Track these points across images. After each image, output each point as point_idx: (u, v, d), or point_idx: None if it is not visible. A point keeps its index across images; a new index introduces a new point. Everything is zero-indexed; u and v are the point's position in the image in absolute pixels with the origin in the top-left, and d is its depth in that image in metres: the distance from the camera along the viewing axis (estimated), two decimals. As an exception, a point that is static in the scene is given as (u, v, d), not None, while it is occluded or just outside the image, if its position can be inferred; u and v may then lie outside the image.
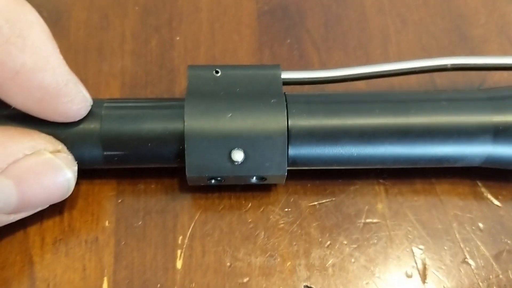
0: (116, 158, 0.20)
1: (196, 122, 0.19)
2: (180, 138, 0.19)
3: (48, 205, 0.20)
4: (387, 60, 0.25)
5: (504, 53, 0.26)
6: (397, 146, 0.20)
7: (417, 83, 0.24)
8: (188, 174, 0.20)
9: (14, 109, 0.18)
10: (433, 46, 0.26)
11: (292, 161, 0.20)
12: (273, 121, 0.19)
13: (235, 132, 0.19)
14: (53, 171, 0.18)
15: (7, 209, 0.18)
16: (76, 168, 0.19)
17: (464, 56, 0.22)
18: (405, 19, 0.26)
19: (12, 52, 0.17)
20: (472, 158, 0.21)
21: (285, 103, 0.20)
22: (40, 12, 0.26)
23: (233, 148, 0.19)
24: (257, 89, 0.20)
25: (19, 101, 0.18)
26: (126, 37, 0.26)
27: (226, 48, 0.25)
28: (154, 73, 0.25)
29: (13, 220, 0.19)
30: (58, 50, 0.18)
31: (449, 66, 0.22)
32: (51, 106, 0.18)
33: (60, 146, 0.19)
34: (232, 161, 0.19)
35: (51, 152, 0.18)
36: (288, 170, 0.20)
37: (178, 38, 0.26)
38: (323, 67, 0.25)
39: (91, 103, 0.19)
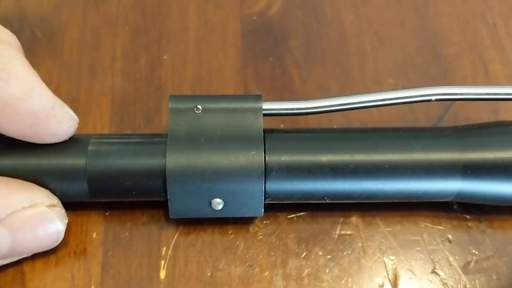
0: (101, 193, 0.21)
1: (178, 174, 0.20)
2: (163, 176, 0.20)
3: (32, 254, 0.21)
4: (364, 78, 0.26)
5: (475, 71, 0.27)
6: (370, 183, 0.21)
7: (394, 108, 0.26)
8: (171, 216, 0.21)
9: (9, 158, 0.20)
10: (408, 65, 0.27)
11: (270, 197, 0.21)
12: (252, 175, 0.20)
13: (215, 185, 0.20)
14: (46, 223, 0.20)
15: None
16: (66, 221, 0.21)
17: (445, 87, 0.22)
18: (382, 38, 0.28)
19: (0, 85, 0.18)
20: (444, 195, 0.22)
21: (263, 154, 0.20)
22: (35, 32, 0.28)
23: (213, 198, 0.21)
24: (237, 132, 0.21)
25: (12, 129, 0.19)
26: (116, 55, 0.27)
27: (212, 66, 0.27)
28: (142, 90, 0.26)
29: None
30: (39, 78, 0.19)
31: (433, 99, 0.22)
32: (42, 128, 0.19)
33: (56, 201, 0.20)
34: (212, 208, 0.21)
35: (47, 206, 0.20)
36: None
37: (166, 57, 0.27)
38: (303, 85, 0.26)
39: (78, 121, 0.21)
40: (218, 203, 0.21)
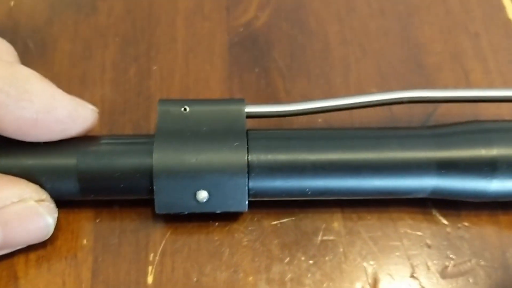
0: (91, 191, 0.22)
1: (164, 165, 0.21)
2: (150, 172, 0.21)
3: (26, 245, 0.22)
4: (347, 88, 0.27)
5: (457, 80, 0.28)
6: (349, 180, 0.22)
7: (374, 110, 0.26)
8: (157, 211, 0.22)
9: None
10: (390, 75, 0.28)
11: (253, 194, 0.22)
12: (235, 165, 0.21)
13: (200, 175, 0.21)
14: (35, 217, 0.21)
15: None
16: (56, 215, 0.22)
17: (419, 90, 0.24)
18: (365, 49, 0.29)
19: (26, 107, 0.20)
20: (419, 191, 0.23)
21: (247, 146, 0.21)
22: (27, 44, 0.28)
23: (198, 189, 0.21)
24: (222, 128, 0.22)
25: (45, 138, 0.21)
26: (106, 66, 0.28)
27: (199, 77, 0.28)
28: (132, 100, 0.27)
29: None
30: (54, 85, 0.21)
31: (405, 99, 0.24)
32: (72, 130, 0.21)
33: (44, 195, 0.21)
34: (197, 200, 0.22)
35: (36, 201, 0.21)
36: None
37: (155, 68, 0.28)
38: (288, 95, 0.27)
39: (97, 111, 0.22)
40: (203, 196, 0.21)
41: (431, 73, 0.28)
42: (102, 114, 0.26)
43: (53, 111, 0.20)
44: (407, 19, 0.30)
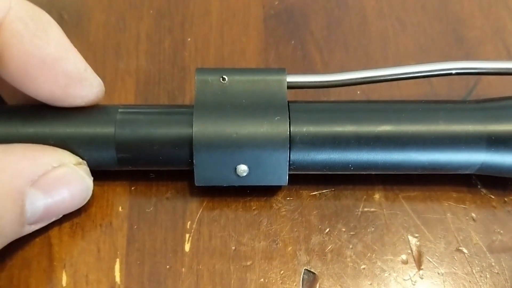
0: (129, 161, 0.21)
1: (205, 139, 0.20)
2: (189, 144, 0.21)
3: (65, 213, 0.22)
4: (386, 61, 0.27)
5: (498, 55, 0.27)
6: (395, 155, 0.21)
7: (414, 82, 0.26)
8: (196, 183, 0.21)
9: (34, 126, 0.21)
10: (430, 48, 0.27)
11: (294, 168, 0.21)
12: (276, 139, 0.20)
13: (241, 150, 0.20)
14: (77, 179, 0.21)
15: (32, 218, 0.20)
16: (92, 179, 0.22)
17: (466, 61, 0.23)
18: (404, 22, 0.28)
19: (39, 44, 0.19)
20: (467, 167, 0.22)
21: (288, 121, 0.21)
22: (62, 15, 0.28)
23: (238, 163, 0.21)
24: (262, 100, 0.21)
25: (46, 89, 0.20)
26: (141, 38, 0.27)
27: (234, 49, 0.27)
28: (166, 71, 0.26)
29: (28, 232, 0.21)
30: (72, 44, 0.21)
31: (453, 70, 0.23)
32: (74, 90, 0.20)
33: (81, 159, 0.21)
34: (237, 174, 0.21)
35: (75, 164, 0.21)
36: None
37: (189, 39, 0.27)
38: (326, 67, 0.26)
39: (104, 89, 0.22)
40: (243, 170, 0.21)
41: (471, 47, 0.27)
42: (137, 84, 0.26)
43: (63, 61, 0.20)
44: (445, -5, 0.29)
